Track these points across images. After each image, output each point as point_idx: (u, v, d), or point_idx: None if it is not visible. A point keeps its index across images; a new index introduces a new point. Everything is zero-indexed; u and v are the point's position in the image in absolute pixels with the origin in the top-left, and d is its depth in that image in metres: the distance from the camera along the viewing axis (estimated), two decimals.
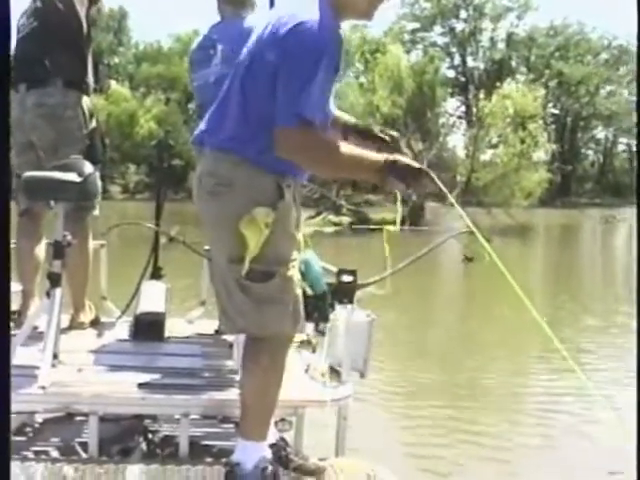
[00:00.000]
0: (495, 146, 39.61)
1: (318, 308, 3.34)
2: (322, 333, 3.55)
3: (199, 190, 2.82)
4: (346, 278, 3.50)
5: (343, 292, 3.45)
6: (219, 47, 4.14)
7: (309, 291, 3.30)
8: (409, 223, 29.13)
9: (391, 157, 2.69)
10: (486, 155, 39.85)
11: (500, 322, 10.88)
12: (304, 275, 3.22)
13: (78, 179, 3.53)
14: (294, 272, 2.84)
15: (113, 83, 52.71)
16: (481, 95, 40.52)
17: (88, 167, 3.67)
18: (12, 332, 3.95)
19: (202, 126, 2.88)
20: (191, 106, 44.02)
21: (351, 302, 3.43)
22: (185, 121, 47.26)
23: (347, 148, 2.70)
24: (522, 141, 36.38)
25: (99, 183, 3.91)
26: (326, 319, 3.42)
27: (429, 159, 38.05)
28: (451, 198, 2.95)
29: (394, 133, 3.21)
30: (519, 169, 36.77)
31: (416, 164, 2.74)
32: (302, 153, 2.66)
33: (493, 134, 38.92)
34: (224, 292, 2.84)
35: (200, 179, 2.82)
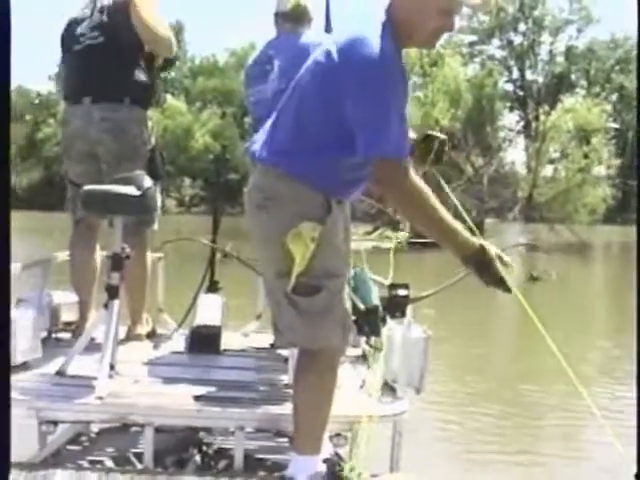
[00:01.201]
0: (554, 161, 39.10)
1: (369, 322, 3.33)
2: (373, 347, 3.53)
3: (248, 204, 2.83)
4: (398, 292, 3.49)
5: (395, 306, 3.43)
6: (276, 63, 4.16)
7: (360, 305, 3.29)
8: None
9: (485, 246, 2.63)
10: (546, 170, 39.37)
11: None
12: (355, 289, 3.21)
13: (137, 193, 3.56)
14: (342, 286, 2.84)
15: (169, 97, 53.33)
16: (544, 109, 40.05)
17: (147, 181, 3.71)
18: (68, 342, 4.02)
19: (255, 140, 2.90)
20: (247, 120, 44.23)
21: (403, 316, 3.41)
22: (241, 135, 47.55)
23: (443, 209, 2.63)
24: (585, 156, 35.81)
25: (158, 197, 3.94)
26: (377, 333, 3.41)
27: (489, 174, 37.73)
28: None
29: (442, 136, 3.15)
30: (582, 185, 36.15)
31: (502, 259, 2.65)
32: (406, 189, 2.61)
33: (552, 149, 38.44)
34: (274, 305, 2.86)
35: (249, 193, 2.83)
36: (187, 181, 55.77)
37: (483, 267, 2.62)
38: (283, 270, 2.71)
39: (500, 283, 2.63)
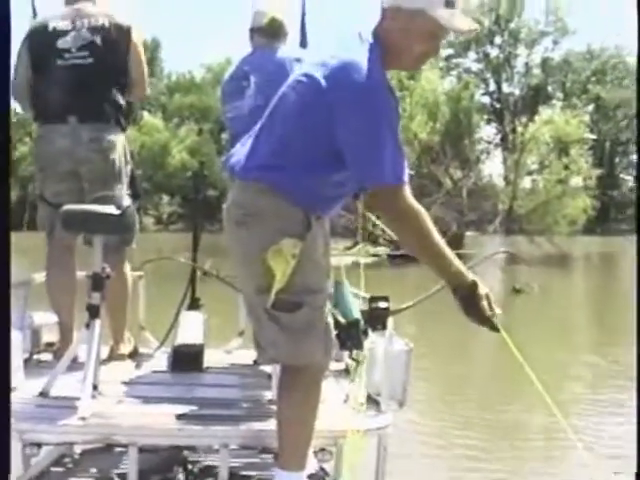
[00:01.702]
0: (532, 173, 39.32)
1: (351, 336, 3.34)
2: (356, 360, 3.54)
3: (227, 220, 2.82)
4: (379, 304, 3.50)
5: (376, 318, 3.44)
6: (252, 79, 4.17)
7: (341, 319, 3.30)
8: None
9: (478, 283, 2.62)
10: (525, 182, 39.59)
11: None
12: (336, 303, 3.22)
13: (117, 212, 3.56)
14: (324, 301, 2.83)
15: (145, 114, 53.11)
16: (522, 120, 40.30)
17: (126, 200, 3.69)
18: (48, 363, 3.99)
19: (233, 154, 2.89)
20: (224, 136, 44.22)
21: (384, 328, 3.42)
22: (219, 151, 47.45)
23: (437, 234, 2.63)
24: (565, 167, 36.00)
25: (136, 216, 3.93)
26: (359, 346, 3.41)
27: (468, 187, 37.85)
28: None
29: None
30: (562, 196, 36.32)
31: (489, 304, 2.63)
32: (404, 216, 2.62)
33: (531, 161, 38.65)
34: (255, 322, 2.85)
35: (229, 209, 2.82)
36: (165, 198, 55.58)
37: (470, 303, 2.61)
38: (263, 286, 2.69)
39: (485, 321, 2.63)
